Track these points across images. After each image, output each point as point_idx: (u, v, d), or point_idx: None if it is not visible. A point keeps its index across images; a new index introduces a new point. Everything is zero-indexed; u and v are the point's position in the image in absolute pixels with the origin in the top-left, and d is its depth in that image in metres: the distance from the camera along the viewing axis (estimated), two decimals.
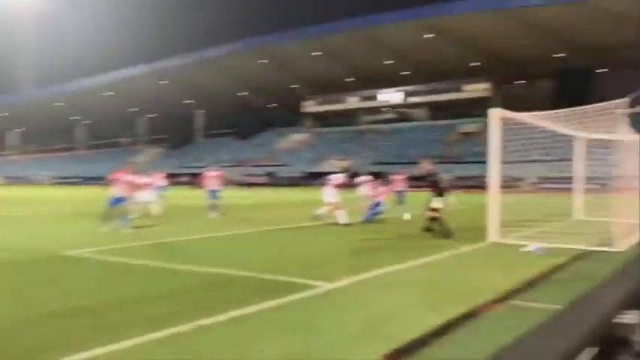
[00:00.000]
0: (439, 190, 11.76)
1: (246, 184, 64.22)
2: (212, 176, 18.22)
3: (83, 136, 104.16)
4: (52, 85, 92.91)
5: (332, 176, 15.77)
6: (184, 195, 31.62)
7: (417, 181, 15.21)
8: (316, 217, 14.73)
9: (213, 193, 17.61)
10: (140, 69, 78.41)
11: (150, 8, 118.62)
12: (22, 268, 7.79)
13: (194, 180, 58.68)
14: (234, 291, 6.19)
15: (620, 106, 9.57)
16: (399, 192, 18.75)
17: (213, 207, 17.37)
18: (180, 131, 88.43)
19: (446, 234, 11.20)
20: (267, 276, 7.00)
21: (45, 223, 15.41)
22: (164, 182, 19.73)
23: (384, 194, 16.20)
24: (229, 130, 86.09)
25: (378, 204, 15.57)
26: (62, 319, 4.97)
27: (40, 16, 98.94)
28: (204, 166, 74.84)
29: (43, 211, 20.65)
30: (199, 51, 72.88)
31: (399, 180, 19.14)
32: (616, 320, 1.00)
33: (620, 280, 1.31)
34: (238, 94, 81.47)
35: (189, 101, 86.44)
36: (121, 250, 9.52)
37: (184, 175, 73.05)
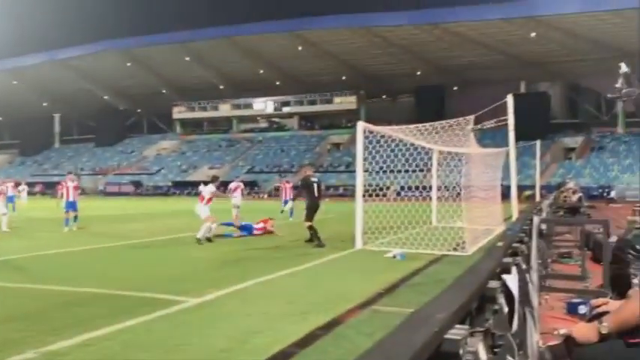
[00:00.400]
0: (313, 198, 11.94)
1: (108, 193, 60.52)
2: (71, 185, 16.64)
3: None
4: None
5: (202, 188, 14.42)
6: (39, 205, 28.94)
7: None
8: (200, 241, 12.38)
9: (72, 205, 16.15)
10: None
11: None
12: None
13: (49, 189, 54.03)
14: (89, 311, 5.74)
15: (468, 122, 10.53)
16: (285, 200, 19.28)
17: (69, 219, 15.99)
18: (36, 136, 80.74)
19: (319, 243, 11.34)
20: (127, 293, 6.60)
21: None
22: (13, 192, 17.96)
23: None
24: (90, 136, 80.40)
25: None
26: None
27: None
28: (61, 174, 69.33)
29: None
30: (55, 50, 67.47)
31: (287, 188, 19.83)
32: (447, 336, 1.06)
33: (450, 294, 1.41)
34: (100, 97, 76.53)
35: (45, 104, 79.44)
36: None
37: (39, 183, 66.88)
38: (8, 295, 6.58)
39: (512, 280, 2.02)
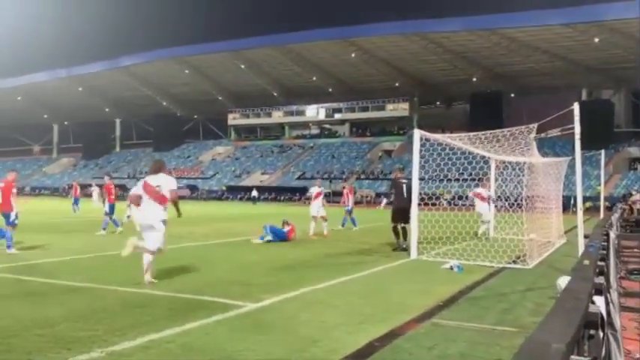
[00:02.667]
0: (400, 200, 12.45)
1: None
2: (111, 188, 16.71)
3: None
4: None
5: (314, 189, 16.02)
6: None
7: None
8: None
9: (112, 207, 16.12)
10: (55, 74, 74.22)
11: (67, 12, 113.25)
12: None
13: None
14: (149, 312, 5.85)
15: (530, 130, 10.17)
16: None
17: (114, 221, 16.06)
18: (98, 140, 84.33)
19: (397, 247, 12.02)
20: (185, 295, 6.71)
21: None
22: (79, 195, 18.78)
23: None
24: (149, 141, 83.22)
25: None
26: None
27: None
28: (122, 177, 72.02)
29: None
30: (117, 58, 70.26)
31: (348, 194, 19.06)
32: None
33: (557, 320, 1.28)
34: (159, 103, 79.12)
35: (107, 110, 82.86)
36: (30, 267, 8.83)
37: (100, 186, 69.52)
38: (73, 295, 6.80)
39: (600, 302, 1.88)
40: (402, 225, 11.95)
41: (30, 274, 8.15)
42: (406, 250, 11.21)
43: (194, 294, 6.78)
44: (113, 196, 16.03)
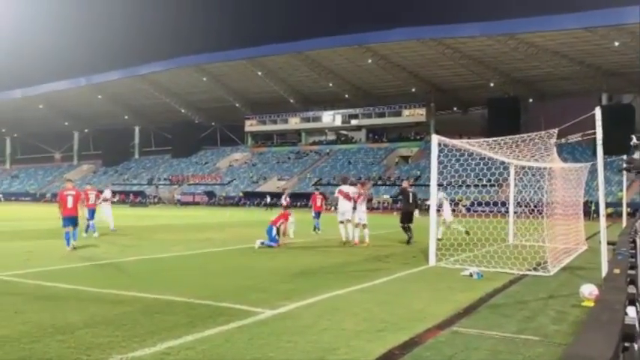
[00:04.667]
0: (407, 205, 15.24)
1: (183, 202, 62.76)
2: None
3: (10, 150, 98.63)
4: None
5: (346, 187, 14.83)
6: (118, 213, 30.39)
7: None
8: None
9: (92, 212, 16.92)
10: (75, 82, 75.40)
11: (88, 21, 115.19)
12: None
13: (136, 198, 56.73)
14: (168, 318, 5.86)
15: (551, 136, 10.03)
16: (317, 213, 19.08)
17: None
18: (117, 147, 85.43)
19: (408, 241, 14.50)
20: (204, 301, 6.71)
21: None
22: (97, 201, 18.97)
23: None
24: (167, 148, 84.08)
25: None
26: None
27: None
28: (141, 184, 72.50)
29: None
30: (136, 66, 71.17)
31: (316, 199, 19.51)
32: None
33: (595, 333, 1.24)
34: (177, 111, 79.86)
35: (127, 117, 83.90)
36: (47, 272, 8.93)
37: (120, 192, 70.50)
38: (92, 300, 6.85)
39: (633, 312, 1.82)
40: (408, 225, 14.74)
41: (51, 279, 8.23)
42: (409, 243, 14.35)
43: (213, 300, 6.78)
44: (91, 202, 16.89)
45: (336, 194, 15.36)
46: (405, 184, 16.21)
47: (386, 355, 4.69)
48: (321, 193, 20.84)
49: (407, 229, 14.71)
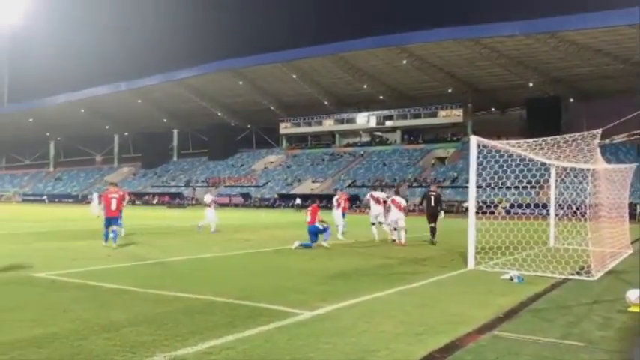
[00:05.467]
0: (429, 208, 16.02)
1: (219, 204, 63.62)
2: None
3: (54, 154, 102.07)
4: (24, 101, 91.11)
5: (377, 193, 16.80)
6: (158, 215, 31.09)
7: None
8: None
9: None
10: (115, 87, 77.51)
11: (127, 28, 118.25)
12: None
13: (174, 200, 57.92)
14: (209, 318, 5.97)
15: (594, 136, 9.76)
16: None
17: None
18: (156, 150, 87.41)
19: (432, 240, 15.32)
20: (243, 302, 6.79)
21: (11, 242, 14.85)
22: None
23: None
24: (204, 150, 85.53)
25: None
26: (29, 349, 4.70)
27: (14, 33, 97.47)
28: (179, 186, 73.76)
29: (12, 228, 19.97)
30: (174, 71, 72.65)
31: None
32: None
33: None
34: (214, 114, 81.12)
35: (165, 120, 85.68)
36: (91, 272, 9.20)
37: (158, 194, 72.07)
38: (135, 299, 7.02)
39: None
40: (432, 225, 15.58)
41: (95, 279, 8.48)
42: (434, 244, 15.14)
43: (251, 301, 6.86)
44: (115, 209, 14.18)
45: (368, 197, 16.97)
46: (432, 187, 17.10)
47: (426, 358, 4.65)
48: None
49: (432, 230, 15.61)
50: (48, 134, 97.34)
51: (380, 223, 16.27)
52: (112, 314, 6.07)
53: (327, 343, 5.05)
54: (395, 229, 15.74)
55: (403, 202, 15.95)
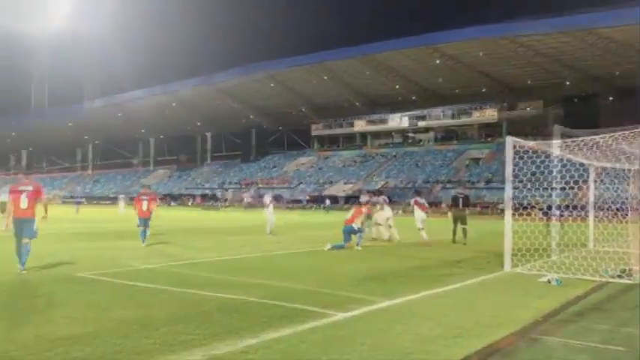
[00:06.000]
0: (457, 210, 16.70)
1: (252, 205, 64.16)
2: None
3: (92, 156, 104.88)
4: (63, 106, 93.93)
5: (420, 199, 16.96)
6: (186, 216, 31.56)
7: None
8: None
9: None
10: (151, 91, 79.16)
11: (160, 33, 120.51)
12: (29, 290, 7.69)
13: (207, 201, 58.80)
14: (245, 318, 6.03)
15: (636, 135, 9.47)
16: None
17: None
18: (190, 153, 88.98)
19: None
20: (277, 302, 6.84)
21: (54, 242, 15.30)
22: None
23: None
24: (237, 152, 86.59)
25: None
26: (73, 346, 4.85)
27: (53, 40, 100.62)
28: (213, 188, 74.64)
29: (54, 229, 20.58)
30: (207, 75, 73.73)
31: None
32: None
33: None
34: (247, 116, 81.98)
35: (199, 124, 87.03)
36: (129, 272, 9.41)
37: (192, 196, 73.22)
38: (172, 299, 7.15)
39: None
40: (462, 226, 16.02)
41: (133, 279, 8.67)
42: (465, 244, 15.42)
43: (286, 301, 6.91)
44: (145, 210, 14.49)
45: (412, 204, 17.27)
46: (460, 189, 18.92)
47: None
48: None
49: (463, 231, 16.01)
50: (86, 138, 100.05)
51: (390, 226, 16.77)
52: (150, 313, 6.21)
53: (362, 344, 5.05)
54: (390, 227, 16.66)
55: (425, 203, 17.01)
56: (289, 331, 5.42)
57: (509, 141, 10.01)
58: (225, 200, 68.42)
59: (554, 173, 10.76)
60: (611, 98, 59.47)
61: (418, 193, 18.61)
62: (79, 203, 49.52)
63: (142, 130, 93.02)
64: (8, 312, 6.06)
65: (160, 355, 4.63)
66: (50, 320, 5.82)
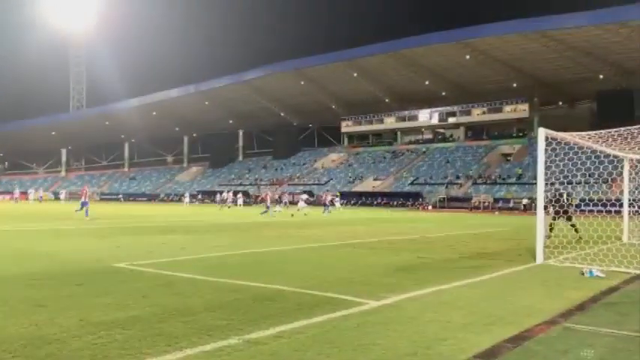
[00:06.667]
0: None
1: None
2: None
3: (128, 154, 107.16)
4: (100, 105, 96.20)
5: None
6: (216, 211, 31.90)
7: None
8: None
9: None
10: (184, 90, 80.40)
11: (193, 32, 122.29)
12: (72, 279, 8.01)
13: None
14: (279, 305, 6.20)
15: None
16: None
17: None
18: (223, 150, 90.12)
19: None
20: (310, 291, 6.99)
21: (95, 236, 15.81)
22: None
23: None
24: (268, 149, 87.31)
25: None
26: (115, 329, 5.08)
27: (89, 40, 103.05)
28: (245, 184, 75.36)
29: (96, 224, 21.23)
30: (239, 73, 74.48)
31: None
32: None
33: None
34: (278, 114, 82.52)
35: (231, 121, 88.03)
36: (166, 263, 9.70)
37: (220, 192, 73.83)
38: (208, 287, 7.37)
39: None
40: (571, 224, 13.90)
41: (170, 269, 8.94)
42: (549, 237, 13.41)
43: (318, 290, 7.05)
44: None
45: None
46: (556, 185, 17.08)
47: (496, 346, 4.65)
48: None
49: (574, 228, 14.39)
50: (123, 136, 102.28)
51: None
52: (187, 300, 6.43)
53: (394, 331, 5.15)
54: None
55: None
56: (322, 318, 5.55)
57: (542, 132, 9.92)
58: (258, 197, 69.01)
59: (588, 165, 10.60)
60: None
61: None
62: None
63: (176, 129, 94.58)
64: (52, 301, 6.35)
65: (197, 338, 4.82)
66: (93, 306, 6.08)
